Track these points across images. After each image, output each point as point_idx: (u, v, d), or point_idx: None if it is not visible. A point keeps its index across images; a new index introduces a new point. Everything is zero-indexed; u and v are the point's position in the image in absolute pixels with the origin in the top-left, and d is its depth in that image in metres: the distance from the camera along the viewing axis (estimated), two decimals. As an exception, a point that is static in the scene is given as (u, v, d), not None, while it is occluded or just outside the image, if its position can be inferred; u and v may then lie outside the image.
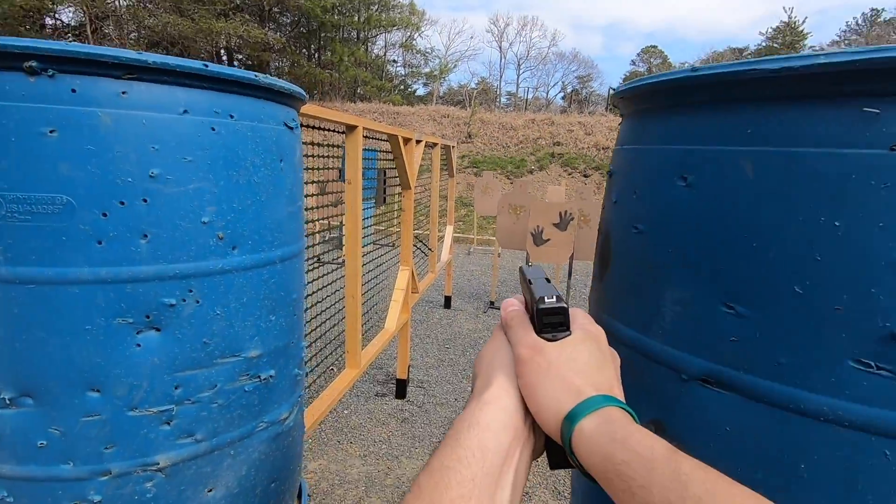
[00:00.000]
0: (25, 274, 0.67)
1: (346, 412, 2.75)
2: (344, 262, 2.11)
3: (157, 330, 0.74)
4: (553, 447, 0.42)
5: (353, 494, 2.11)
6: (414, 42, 27.69)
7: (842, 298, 0.43)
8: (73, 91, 0.66)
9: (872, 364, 0.42)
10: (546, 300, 0.43)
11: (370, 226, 4.66)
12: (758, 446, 0.49)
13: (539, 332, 0.43)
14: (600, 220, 0.73)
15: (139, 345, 0.73)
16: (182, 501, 0.80)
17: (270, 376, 0.89)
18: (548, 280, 0.47)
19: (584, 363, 0.41)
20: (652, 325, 0.57)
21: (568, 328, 0.43)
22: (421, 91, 30.50)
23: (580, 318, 0.45)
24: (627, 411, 0.39)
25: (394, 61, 28.56)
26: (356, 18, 23.64)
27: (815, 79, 0.42)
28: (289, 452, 0.98)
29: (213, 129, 0.76)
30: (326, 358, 2.64)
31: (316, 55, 23.88)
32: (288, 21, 23.05)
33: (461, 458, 0.36)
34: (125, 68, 0.68)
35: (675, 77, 0.52)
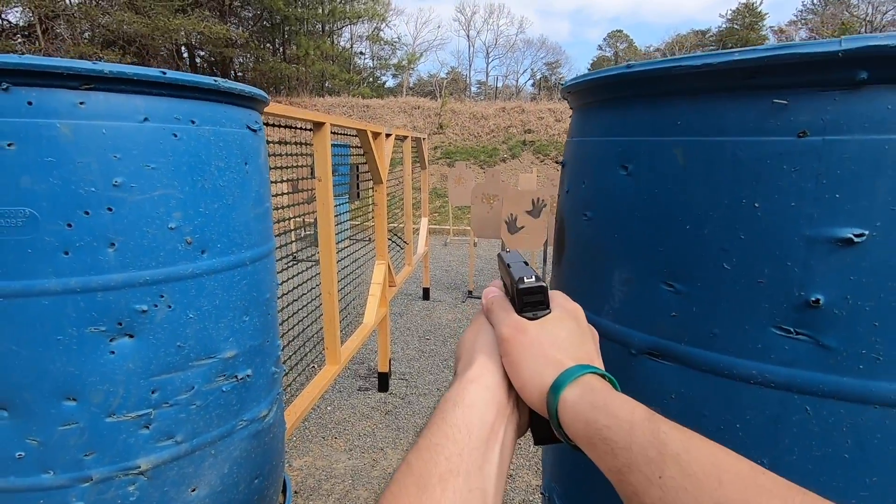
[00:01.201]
0: (-8, 288, 0.67)
1: (329, 408, 2.77)
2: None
3: (131, 336, 0.75)
4: (537, 423, 0.44)
5: (340, 488, 2.13)
6: (381, 33, 27.39)
7: (763, 272, 0.47)
8: (30, 104, 0.66)
9: (792, 330, 0.47)
10: (525, 280, 0.45)
11: (345, 221, 4.64)
12: (699, 411, 0.53)
13: (520, 311, 0.45)
14: (557, 208, 0.77)
15: (113, 352, 0.74)
16: (166, 502, 0.81)
17: (247, 375, 0.91)
18: (525, 263, 0.48)
19: (564, 338, 0.43)
20: (603, 306, 0.61)
21: (548, 306, 0.45)
22: (390, 83, 30.24)
23: (558, 297, 0.47)
24: (608, 378, 0.41)
25: (361, 53, 28.21)
26: (320, 11, 23.21)
27: (732, 74, 0.46)
28: (270, 449, 1.01)
29: (175, 136, 0.77)
30: (306, 355, 2.65)
31: (281, 49, 23.39)
32: (250, 15, 22.47)
33: (448, 435, 0.38)
34: (82, 79, 0.68)
35: (612, 73, 0.56)
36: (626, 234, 0.57)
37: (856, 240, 0.43)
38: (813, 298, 0.45)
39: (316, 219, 2.06)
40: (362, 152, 2.76)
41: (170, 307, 0.78)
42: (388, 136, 2.99)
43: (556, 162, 10.75)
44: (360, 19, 25.11)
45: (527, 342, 0.43)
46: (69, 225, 0.69)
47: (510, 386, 0.43)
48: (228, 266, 0.85)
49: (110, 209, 0.71)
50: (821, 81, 0.43)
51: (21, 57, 0.64)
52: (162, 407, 0.79)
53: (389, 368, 3.01)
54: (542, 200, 4.22)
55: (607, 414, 0.36)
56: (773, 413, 0.49)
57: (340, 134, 2.62)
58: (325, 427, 2.57)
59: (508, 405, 0.43)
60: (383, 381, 2.96)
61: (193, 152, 0.79)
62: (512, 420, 0.43)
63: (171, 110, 0.76)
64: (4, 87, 0.65)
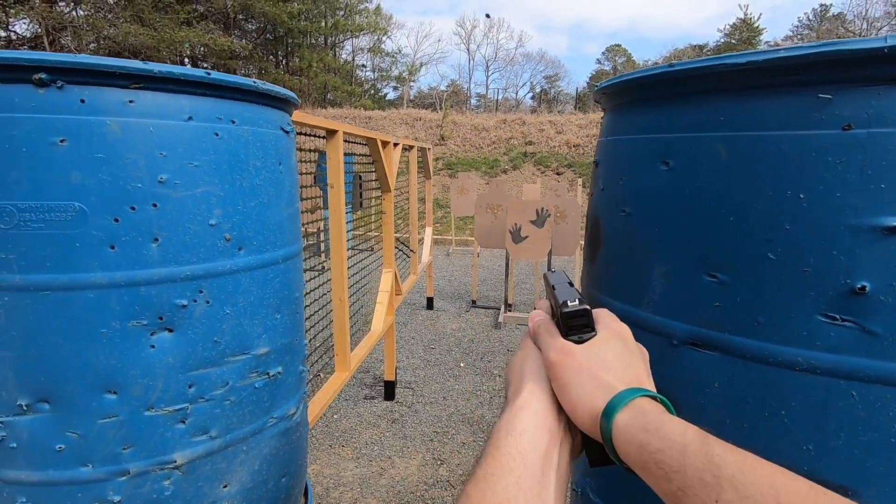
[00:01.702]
0: (40, 281, 0.69)
1: (335, 416, 2.76)
2: (324, 268, 2.13)
3: (170, 331, 0.76)
4: (590, 445, 0.44)
5: (348, 496, 2.12)
6: (382, 45, 27.72)
7: (808, 261, 0.49)
8: (82, 101, 0.68)
9: (837, 317, 0.48)
10: (569, 304, 0.45)
11: (349, 231, 4.65)
12: (743, 399, 0.55)
13: (566, 335, 0.45)
14: (588, 207, 0.79)
15: (153, 346, 0.75)
16: (199, 498, 0.82)
17: (278, 373, 0.92)
18: (570, 284, 0.49)
19: (612, 360, 0.43)
20: (642, 298, 0.62)
21: (593, 329, 0.45)
22: (391, 95, 30.50)
23: (605, 318, 0.47)
24: (660, 399, 0.41)
25: (363, 66, 28.50)
26: (323, 24, 23.52)
27: (777, 70, 0.48)
28: (297, 447, 1.01)
29: (217, 135, 0.79)
30: (314, 364, 2.64)
31: (284, 62, 23.65)
32: (253, 28, 22.75)
33: (503, 465, 0.38)
34: (132, 78, 0.70)
35: (654, 72, 0.58)
36: (668, 227, 0.59)
37: (901, 228, 0.45)
38: (859, 286, 0.47)
39: (318, 228, 2.07)
40: (366, 161, 2.79)
41: (208, 303, 0.79)
42: (395, 145, 3.02)
43: (557, 173, 10.82)
44: (362, 32, 25.42)
45: (574, 366, 0.43)
46: (116, 220, 0.71)
47: (560, 409, 0.43)
48: (263, 264, 0.87)
49: (155, 205, 0.73)
50: (865, 77, 0.45)
51: (76, 56, 0.67)
52: (198, 402, 0.79)
53: (395, 377, 3.00)
54: (547, 210, 4.25)
55: (659, 437, 0.36)
56: (819, 399, 0.50)
57: (346, 143, 2.64)
58: (332, 435, 2.56)
59: (560, 429, 0.43)
60: (389, 390, 2.95)
61: (233, 151, 0.81)
62: (565, 443, 0.43)
63: (213, 110, 0.78)
64: (59, 84, 0.67)
